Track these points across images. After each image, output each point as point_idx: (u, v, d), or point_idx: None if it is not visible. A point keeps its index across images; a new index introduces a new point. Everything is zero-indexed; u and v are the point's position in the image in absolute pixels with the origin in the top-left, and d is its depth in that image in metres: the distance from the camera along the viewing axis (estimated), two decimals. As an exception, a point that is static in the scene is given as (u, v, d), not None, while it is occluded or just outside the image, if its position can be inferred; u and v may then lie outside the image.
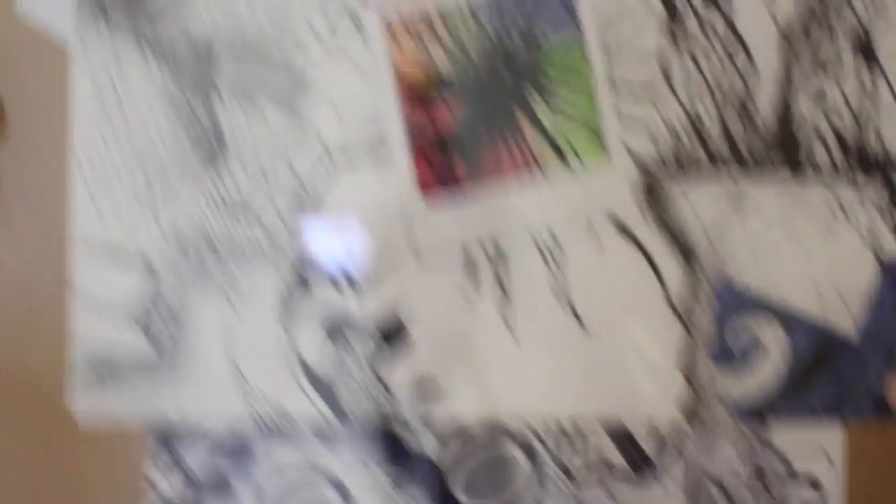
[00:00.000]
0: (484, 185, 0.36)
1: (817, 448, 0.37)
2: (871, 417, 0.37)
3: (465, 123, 0.36)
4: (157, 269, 0.35)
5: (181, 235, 0.36)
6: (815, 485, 0.37)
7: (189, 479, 0.36)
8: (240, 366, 0.36)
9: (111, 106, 0.35)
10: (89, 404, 0.35)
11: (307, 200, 0.35)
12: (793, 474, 0.37)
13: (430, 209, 0.36)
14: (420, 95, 0.35)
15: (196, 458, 0.36)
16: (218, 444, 0.36)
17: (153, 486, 0.35)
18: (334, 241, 0.33)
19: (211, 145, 0.35)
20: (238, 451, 0.36)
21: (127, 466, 0.35)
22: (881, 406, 0.37)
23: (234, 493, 0.36)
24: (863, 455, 0.37)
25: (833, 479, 0.37)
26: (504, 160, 0.36)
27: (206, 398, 0.36)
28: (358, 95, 0.35)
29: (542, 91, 0.36)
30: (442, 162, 0.36)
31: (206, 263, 0.35)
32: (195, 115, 0.35)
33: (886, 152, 0.36)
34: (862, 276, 0.37)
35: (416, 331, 0.35)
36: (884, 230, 0.37)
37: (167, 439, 0.36)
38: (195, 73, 0.34)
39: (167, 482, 0.36)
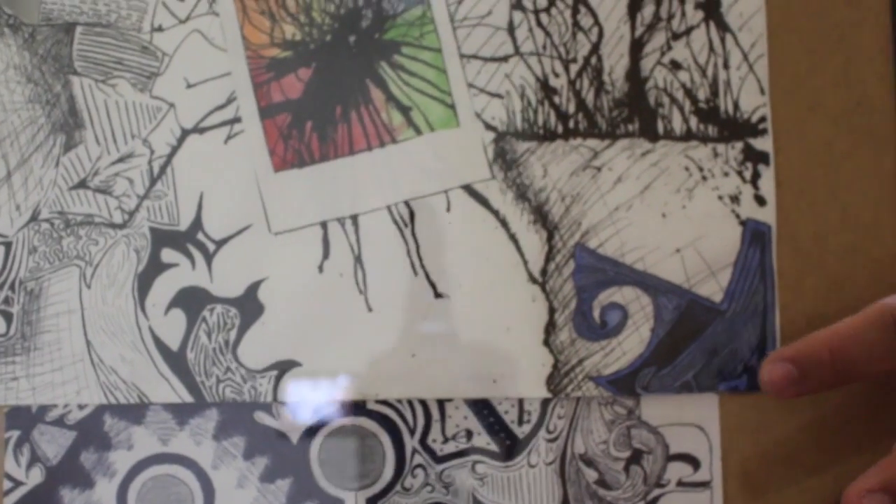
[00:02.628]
0: (337, 156, 0.40)
1: (691, 422, 0.40)
2: (744, 388, 0.40)
3: (318, 98, 0.41)
4: (16, 254, 0.40)
5: (40, 219, 0.40)
6: (690, 460, 0.40)
7: (44, 465, 0.39)
8: (94, 344, 0.40)
9: (-30, 91, 0.40)
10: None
11: (160, 174, 0.40)
12: (667, 450, 0.40)
13: (283, 180, 0.40)
14: (272, 70, 0.40)
15: (51, 444, 0.39)
16: (73, 427, 0.39)
17: (8, 472, 0.39)
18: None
19: (69, 129, 0.40)
20: (93, 433, 0.39)
21: None
22: (752, 374, 0.40)
23: (88, 476, 0.39)
24: (737, 427, 0.40)
25: (708, 454, 0.40)
26: (357, 132, 0.41)
27: (60, 380, 0.40)
28: (211, 71, 0.40)
29: (393, 66, 0.41)
30: (295, 135, 0.40)
31: (63, 242, 0.40)
32: (54, 97, 0.40)
33: (740, 115, 0.41)
34: (724, 240, 0.40)
35: (269, 302, 0.39)
36: (743, 193, 0.41)
37: (22, 424, 0.39)
38: (53, 50, 0.40)
39: (23, 470, 0.39)
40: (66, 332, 0.39)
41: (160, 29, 0.40)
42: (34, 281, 0.39)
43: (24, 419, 0.39)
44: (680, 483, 0.39)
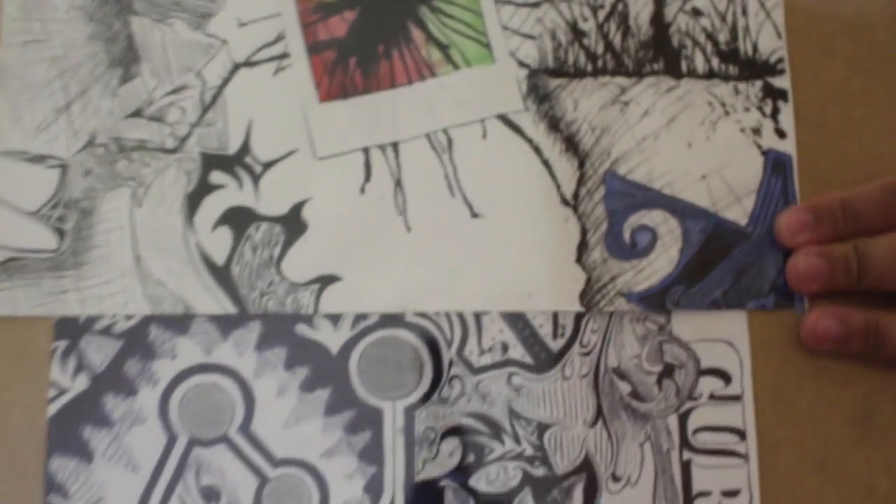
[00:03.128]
0: (379, 89, 0.50)
1: (721, 338, 0.47)
2: (772, 306, 0.48)
3: (363, 37, 0.50)
4: (72, 175, 0.49)
5: (96, 143, 0.48)
6: (722, 374, 0.47)
7: (90, 373, 0.45)
8: (143, 258, 0.48)
9: (36, 27, 0.50)
10: (-6, 302, 0.47)
11: (212, 104, 0.49)
12: (699, 365, 0.47)
13: (327, 110, 0.50)
14: (319, 12, 0.51)
15: (98, 353, 0.47)
16: (119, 337, 0.47)
17: (54, 381, 0.45)
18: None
19: (127, 63, 0.50)
20: (139, 343, 0.44)
21: (29, 362, 0.44)
22: (779, 293, 0.48)
23: (132, 384, 0.47)
24: (766, 344, 0.47)
25: (739, 368, 0.47)
26: (398, 69, 0.50)
27: (109, 293, 0.48)
28: (261, 12, 0.50)
29: (433, 9, 0.51)
30: (340, 70, 0.50)
31: (117, 165, 0.49)
32: (114, 35, 0.50)
33: (759, 57, 0.51)
34: (747, 168, 0.49)
35: (312, 221, 0.45)
36: (763, 126, 0.50)
37: (70, 334, 0.45)
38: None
39: (69, 377, 0.45)
40: (116, 246, 0.47)
41: (216, -25, 0.50)
42: (87, 200, 0.48)
43: (72, 329, 0.46)
44: (712, 396, 0.46)
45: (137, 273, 0.45)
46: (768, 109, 0.46)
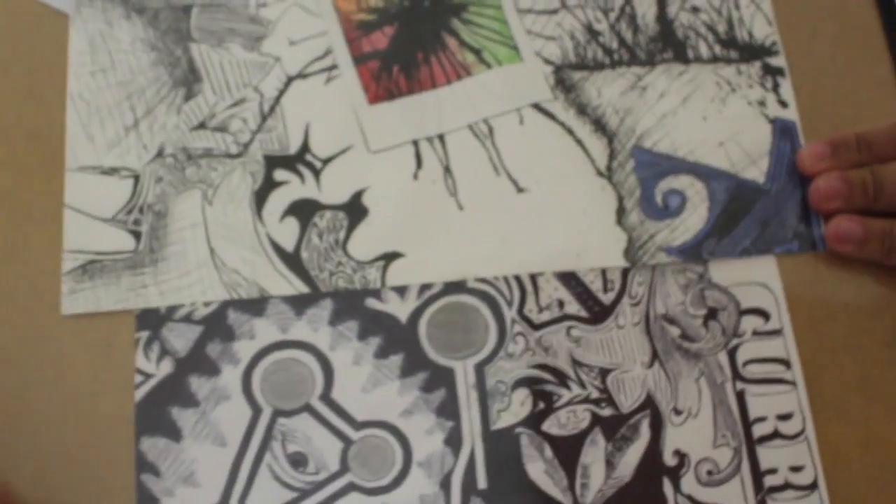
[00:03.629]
0: (422, 90, 0.54)
1: (757, 281, 0.51)
2: (797, 250, 0.52)
3: (402, 47, 0.55)
4: (144, 183, 0.51)
5: (165, 154, 0.52)
6: (761, 313, 0.50)
7: (173, 358, 0.47)
8: (216, 250, 0.51)
9: (103, 59, 0.54)
10: (79, 302, 0.49)
11: (270, 112, 0.53)
12: (739, 306, 0.50)
13: (377, 110, 0.54)
14: (361, 29, 0.55)
15: (179, 339, 0.49)
16: (199, 322, 0.49)
17: (139, 368, 0.48)
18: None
19: (189, 83, 0.54)
20: (218, 327, 0.47)
21: (114, 353, 0.46)
22: (802, 239, 0.52)
23: (214, 365, 0.48)
24: (798, 283, 0.51)
25: (776, 306, 0.50)
26: (437, 71, 0.55)
27: (187, 283, 0.50)
28: (309, 32, 0.55)
29: (463, 21, 0.56)
30: (385, 77, 0.55)
31: (186, 172, 0.52)
32: (175, 60, 0.54)
33: (754, 41, 0.56)
34: (758, 134, 0.53)
35: (373, 206, 0.49)
36: (767, 99, 0.55)
37: (151, 324, 0.49)
38: (173, 25, 0.55)
39: (153, 364, 0.47)
40: (190, 242, 0.50)
41: (265, 5, 0.55)
42: (161, 203, 0.50)
43: (154, 320, 0.48)
44: (755, 333, 0.49)
45: (213, 263, 0.48)
46: (769, 85, 0.52)
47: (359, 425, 0.45)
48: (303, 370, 0.46)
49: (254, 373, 0.46)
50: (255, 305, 0.47)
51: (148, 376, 0.46)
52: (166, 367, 0.46)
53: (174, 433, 0.45)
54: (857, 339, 0.47)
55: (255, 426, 0.45)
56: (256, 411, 0.45)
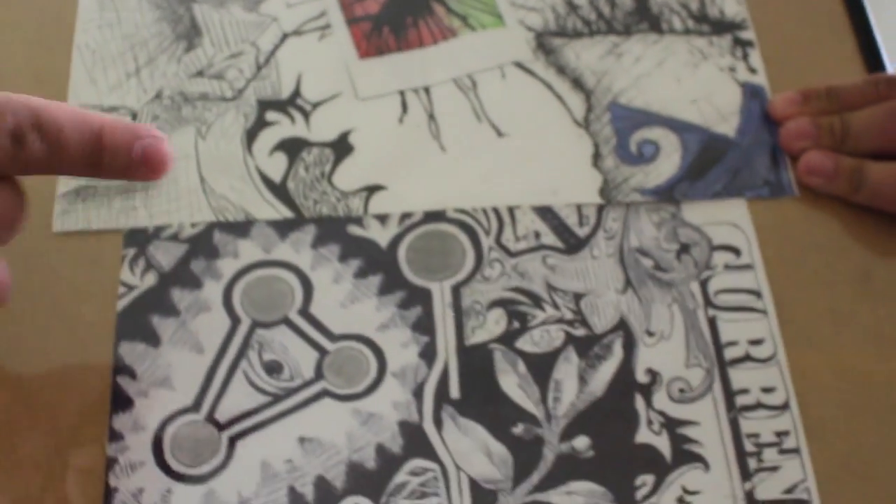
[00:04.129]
0: (410, 48, 0.57)
1: (728, 221, 0.51)
2: (767, 195, 0.53)
3: (393, 12, 0.58)
4: (141, 118, 0.53)
5: (163, 96, 0.54)
6: (732, 249, 0.51)
7: (157, 272, 0.48)
8: (207, 179, 0.51)
9: (110, 15, 0.57)
10: (69, 221, 0.50)
11: (265, 63, 0.55)
12: (711, 242, 0.51)
13: (366, 64, 0.56)
14: (356, -4, 0.58)
15: (165, 255, 0.49)
16: (185, 241, 0.49)
17: (123, 281, 0.48)
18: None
19: (190, 38, 0.57)
20: (203, 246, 0.48)
21: (100, 268, 0.47)
22: (773, 186, 0.53)
23: (198, 279, 0.48)
24: (768, 225, 0.51)
25: (747, 243, 0.51)
26: (425, 33, 0.57)
27: (176, 207, 0.51)
28: (307, -5, 0.58)
29: (451, -8, 0.59)
30: (375, 36, 0.57)
31: (182, 111, 0.54)
32: (178, 17, 0.57)
33: (724, 17, 0.59)
34: (729, 95, 0.55)
35: (358, 144, 0.51)
36: (736, 66, 0.57)
37: (139, 242, 0.49)
38: (179, -13, 0.57)
39: (137, 277, 0.48)
40: (182, 171, 0.51)
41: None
42: (156, 137, 0.52)
43: (141, 238, 0.48)
44: (727, 266, 0.49)
45: (202, 189, 0.49)
46: (740, 54, 0.54)
47: (335, 337, 0.46)
48: (283, 286, 0.47)
49: (235, 287, 0.47)
50: (241, 228, 0.48)
51: (131, 288, 0.46)
52: (150, 279, 0.47)
53: (153, 339, 0.45)
54: (827, 276, 0.48)
55: (233, 335, 0.46)
56: (235, 322, 0.46)
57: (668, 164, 0.51)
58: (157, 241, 0.48)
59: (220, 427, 0.44)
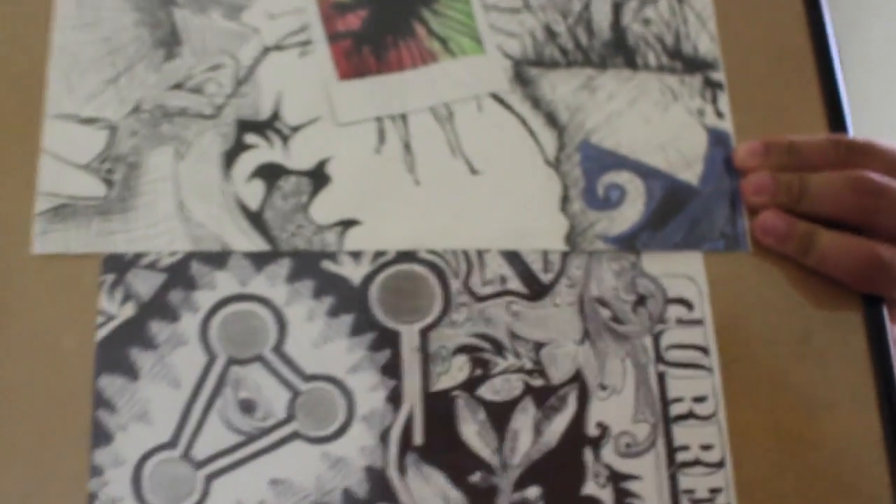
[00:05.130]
0: (390, 71, 0.56)
1: (684, 274, 0.54)
2: (723, 248, 0.55)
3: (374, 30, 0.57)
4: (120, 135, 0.52)
5: (142, 109, 0.53)
6: (685, 303, 0.53)
7: (136, 302, 0.49)
8: (185, 203, 0.52)
9: (88, 15, 0.55)
10: (49, 243, 0.49)
11: (245, 79, 0.54)
12: (665, 294, 0.53)
13: (346, 86, 0.55)
14: (336, 10, 0.57)
15: (143, 284, 0.50)
16: (163, 270, 0.50)
17: (102, 309, 0.49)
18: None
19: (169, 45, 0.55)
20: (181, 277, 0.48)
21: (78, 294, 0.47)
22: (728, 239, 0.55)
23: (175, 311, 0.49)
24: (720, 278, 0.53)
25: (699, 297, 0.53)
26: (405, 54, 0.57)
27: (154, 233, 0.51)
28: (288, 8, 0.56)
29: (433, 11, 0.58)
30: (356, 56, 0.56)
31: (161, 127, 0.53)
32: (158, 21, 0.55)
33: (698, 55, 0.59)
34: (695, 140, 0.56)
35: (335, 174, 0.51)
36: (704, 109, 0.58)
37: (117, 268, 0.50)
38: (158, -11, 0.55)
39: (116, 306, 0.48)
40: (160, 195, 0.50)
41: (246, -23, 0.56)
42: (134, 155, 0.51)
43: (120, 264, 0.49)
44: (679, 321, 0.52)
45: (180, 217, 0.49)
46: (709, 96, 0.54)
47: (308, 377, 0.47)
48: (258, 323, 0.47)
49: (212, 321, 0.47)
50: (218, 258, 0.48)
51: (110, 317, 0.47)
52: (129, 310, 0.47)
53: (132, 373, 0.46)
54: (770, 335, 0.50)
55: (209, 371, 0.47)
56: (211, 358, 0.47)
57: (632, 211, 0.52)
58: (135, 268, 0.48)
59: (197, 465, 0.45)
